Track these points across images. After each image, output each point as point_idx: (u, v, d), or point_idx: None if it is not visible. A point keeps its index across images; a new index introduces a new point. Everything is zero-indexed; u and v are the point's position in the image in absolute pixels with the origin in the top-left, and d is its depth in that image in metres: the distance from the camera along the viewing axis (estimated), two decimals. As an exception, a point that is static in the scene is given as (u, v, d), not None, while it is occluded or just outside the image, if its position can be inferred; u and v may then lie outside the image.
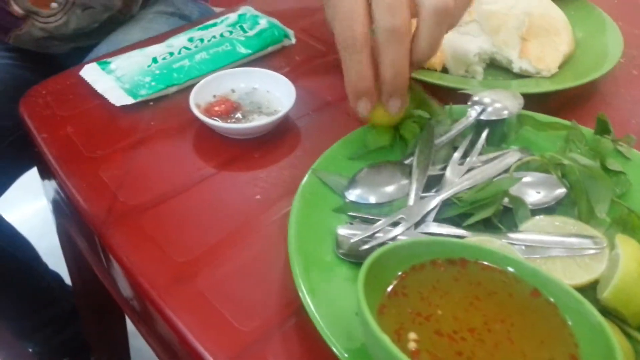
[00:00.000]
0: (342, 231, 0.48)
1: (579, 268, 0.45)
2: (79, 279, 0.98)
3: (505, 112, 0.58)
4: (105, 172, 0.60)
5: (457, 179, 0.52)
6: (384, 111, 0.52)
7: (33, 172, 0.87)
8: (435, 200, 0.50)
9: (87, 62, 0.75)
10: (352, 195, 0.52)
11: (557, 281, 0.38)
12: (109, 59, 0.74)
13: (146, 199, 0.57)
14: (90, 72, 0.73)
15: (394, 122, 0.57)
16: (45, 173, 0.71)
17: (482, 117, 0.58)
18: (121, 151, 0.63)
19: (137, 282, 0.50)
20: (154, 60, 0.73)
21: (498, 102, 0.58)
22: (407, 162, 0.55)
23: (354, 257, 0.47)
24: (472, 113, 0.58)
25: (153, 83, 0.70)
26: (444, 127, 0.57)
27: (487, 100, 0.59)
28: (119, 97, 0.68)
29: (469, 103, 0.60)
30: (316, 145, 0.61)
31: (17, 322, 1.01)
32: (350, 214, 0.51)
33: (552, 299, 0.38)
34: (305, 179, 0.53)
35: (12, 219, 0.88)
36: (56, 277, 1.05)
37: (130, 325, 1.12)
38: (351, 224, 0.50)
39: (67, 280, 1.05)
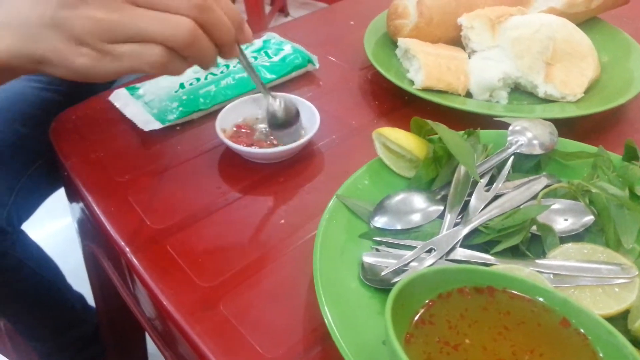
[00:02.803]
0: (368, 258, 0.48)
1: (609, 297, 0.44)
2: (102, 300, 0.99)
3: (541, 149, 0.57)
4: (133, 195, 0.61)
5: (483, 206, 0.51)
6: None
7: (56, 192, 0.89)
8: (465, 230, 0.50)
9: (116, 87, 0.77)
10: (379, 222, 0.52)
11: (587, 311, 0.38)
12: (137, 84, 0.76)
13: (172, 222, 0.58)
14: (119, 97, 0.74)
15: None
16: (74, 196, 0.73)
17: (520, 151, 0.57)
18: (149, 175, 0.64)
19: (163, 305, 0.51)
20: (181, 85, 0.74)
21: (535, 139, 0.58)
22: (441, 192, 0.55)
23: (379, 283, 0.47)
24: (512, 145, 0.58)
25: (180, 108, 0.71)
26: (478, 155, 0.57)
27: (527, 133, 0.59)
28: (147, 122, 0.69)
29: (508, 132, 0.59)
30: (340, 170, 0.61)
31: (41, 343, 1.02)
32: (376, 239, 0.51)
33: (582, 330, 0.38)
34: (329, 204, 0.53)
35: (35, 238, 0.90)
36: (80, 297, 1.06)
37: (150, 346, 1.13)
38: (376, 249, 0.50)
39: (89, 300, 1.06)
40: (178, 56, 0.48)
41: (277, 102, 0.64)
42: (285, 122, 0.64)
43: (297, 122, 0.65)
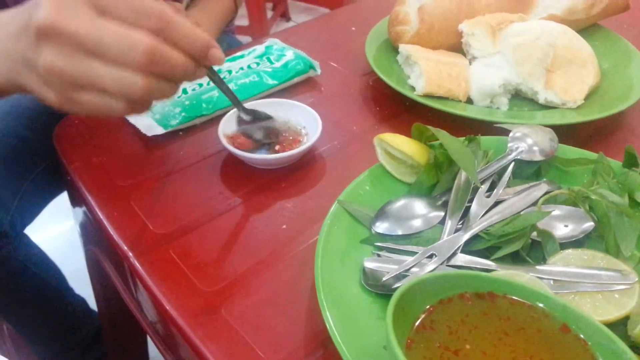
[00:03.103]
0: (369, 263, 0.49)
1: (609, 303, 0.44)
2: (104, 303, 0.99)
3: (542, 155, 0.58)
4: (136, 200, 0.62)
5: (484, 212, 0.52)
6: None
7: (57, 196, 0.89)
8: (465, 236, 0.50)
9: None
10: (380, 227, 0.52)
11: (587, 317, 0.38)
12: (140, 90, 0.76)
13: (175, 227, 0.59)
14: (122, 102, 0.75)
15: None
16: (77, 200, 0.73)
17: (520, 157, 0.58)
18: (151, 180, 0.65)
19: (165, 309, 0.51)
20: (184, 91, 0.75)
21: (536, 145, 0.58)
22: (441, 197, 0.55)
23: (380, 288, 0.47)
24: (512, 152, 0.58)
25: (183, 113, 0.72)
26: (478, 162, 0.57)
27: (527, 139, 0.59)
28: (150, 127, 0.70)
29: (508, 138, 0.60)
30: (342, 175, 0.62)
31: (43, 346, 1.02)
32: (377, 244, 0.52)
33: (582, 335, 0.38)
34: (331, 209, 0.54)
35: (36, 241, 0.90)
36: (82, 301, 1.06)
37: (151, 350, 1.13)
38: (377, 255, 0.51)
39: (91, 304, 1.06)
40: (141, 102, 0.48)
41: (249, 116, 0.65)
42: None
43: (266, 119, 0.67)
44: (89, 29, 0.42)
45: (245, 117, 0.65)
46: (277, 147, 0.66)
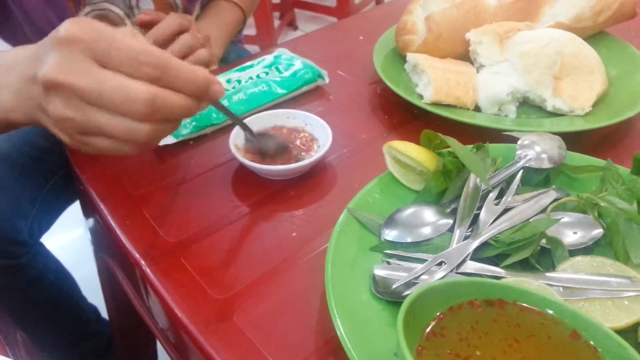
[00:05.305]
0: (379, 271, 0.49)
1: (619, 310, 0.44)
2: (115, 311, 1.00)
3: (550, 163, 0.58)
4: (148, 209, 0.63)
5: (493, 219, 0.52)
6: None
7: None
8: (474, 243, 0.50)
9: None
10: (389, 235, 0.53)
11: (597, 324, 0.38)
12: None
13: (186, 235, 0.59)
14: (134, 113, 0.76)
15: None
16: (89, 209, 0.74)
17: (529, 165, 0.58)
18: (163, 189, 0.66)
19: (177, 317, 0.52)
20: (194, 101, 0.76)
21: (544, 153, 0.59)
22: (450, 205, 0.55)
23: (390, 296, 0.47)
24: (521, 159, 0.58)
25: (193, 123, 0.72)
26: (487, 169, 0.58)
27: (535, 147, 0.59)
28: (161, 137, 0.71)
29: (517, 145, 0.60)
30: (351, 184, 0.62)
31: (56, 355, 1.03)
32: (387, 251, 0.52)
33: (592, 342, 0.38)
34: (341, 217, 0.54)
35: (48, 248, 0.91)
36: (94, 309, 1.07)
37: (162, 357, 1.14)
38: (387, 262, 0.51)
39: (102, 311, 1.07)
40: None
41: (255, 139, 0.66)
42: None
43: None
44: (89, 82, 0.44)
45: (251, 137, 0.66)
46: (288, 157, 0.67)
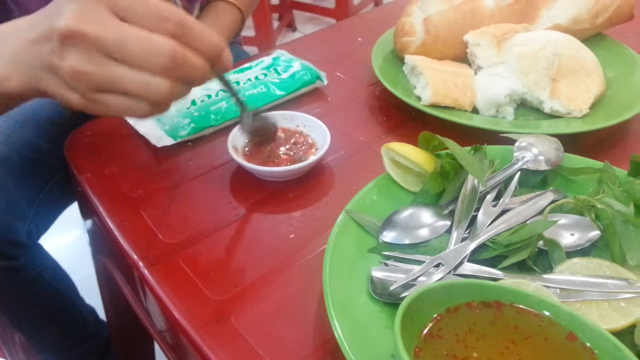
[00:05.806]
0: (377, 272, 0.49)
1: (615, 312, 0.45)
2: (113, 312, 1.00)
3: (547, 165, 0.58)
4: (146, 210, 0.63)
5: (490, 221, 0.52)
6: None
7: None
8: (472, 245, 0.50)
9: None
10: (387, 237, 0.53)
11: (593, 325, 0.38)
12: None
13: (185, 236, 0.59)
14: (132, 114, 0.76)
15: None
16: (87, 210, 0.74)
17: (526, 166, 0.58)
18: (161, 190, 0.66)
19: (175, 318, 0.52)
20: (193, 102, 0.76)
21: (541, 154, 0.59)
22: (448, 207, 0.56)
23: (388, 297, 0.47)
24: (518, 161, 0.59)
25: (192, 124, 0.72)
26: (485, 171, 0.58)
27: (532, 149, 0.60)
28: (159, 138, 0.71)
29: (514, 147, 0.60)
30: (349, 185, 0.63)
31: (54, 356, 1.03)
32: (385, 253, 0.52)
33: (588, 344, 0.38)
34: (339, 219, 0.54)
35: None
36: (92, 311, 1.07)
37: (160, 358, 1.14)
38: (385, 264, 0.51)
39: (99, 313, 1.07)
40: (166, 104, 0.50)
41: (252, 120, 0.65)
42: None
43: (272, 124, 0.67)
44: (112, 33, 0.44)
45: (249, 119, 0.65)
46: (286, 158, 0.67)
